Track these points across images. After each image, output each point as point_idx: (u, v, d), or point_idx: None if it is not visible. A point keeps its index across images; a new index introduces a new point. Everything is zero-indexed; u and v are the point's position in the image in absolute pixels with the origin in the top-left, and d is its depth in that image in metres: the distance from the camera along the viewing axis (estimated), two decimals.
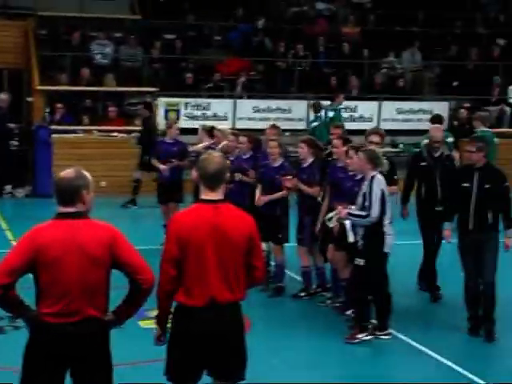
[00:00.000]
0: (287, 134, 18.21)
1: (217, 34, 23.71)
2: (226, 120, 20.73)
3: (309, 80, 22.40)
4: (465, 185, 9.56)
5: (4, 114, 19.25)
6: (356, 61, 23.21)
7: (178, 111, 21.11)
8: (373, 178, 9.22)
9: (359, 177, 9.77)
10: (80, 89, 20.92)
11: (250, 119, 21.00)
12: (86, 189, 5.61)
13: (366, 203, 9.16)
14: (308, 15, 24.48)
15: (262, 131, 13.25)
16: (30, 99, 20.90)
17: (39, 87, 20.48)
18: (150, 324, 9.14)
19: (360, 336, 9.42)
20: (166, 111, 21.05)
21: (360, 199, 9.33)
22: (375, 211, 9.11)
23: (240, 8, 23.83)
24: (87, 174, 5.67)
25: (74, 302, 5.48)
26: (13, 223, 15.66)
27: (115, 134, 20.38)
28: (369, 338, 9.47)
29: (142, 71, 21.89)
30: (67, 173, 5.64)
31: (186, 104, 21.14)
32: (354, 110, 21.73)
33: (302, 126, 21.37)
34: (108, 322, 5.64)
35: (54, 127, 19.72)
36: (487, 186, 9.47)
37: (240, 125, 20.12)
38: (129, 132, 20.43)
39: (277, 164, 11.27)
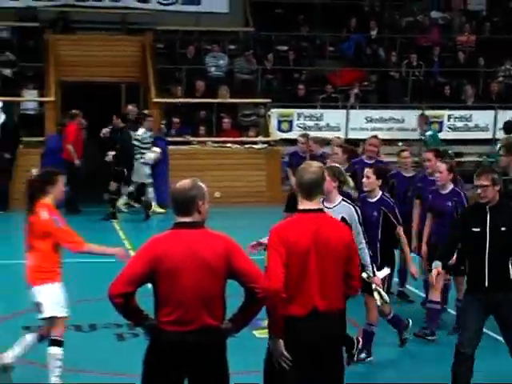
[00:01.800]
0: (400, 143, 18.12)
1: (330, 45, 23.70)
2: (338, 130, 20.73)
3: (422, 90, 22.27)
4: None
5: (135, 127, 19.70)
6: (471, 69, 22.89)
7: (290, 122, 21.21)
8: None
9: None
10: (195, 101, 21.21)
11: (362, 129, 20.92)
12: (201, 199, 5.69)
13: None
14: (422, 24, 24.26)
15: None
16: (146, 111, 21.26)
17: (156, 100, 20.85)
18: (264, 333, 9.24)
19: None
20: (279, 122, 21.18)
21: None
22: None
23: (353, 18, 23.76)
24: (202, 184, 5.76)
25: (192, 310, 5.55)
26: (131, 233, 15.99)
27: (229, 144, 20.61)
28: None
29: (255, 83, 22.05)
30: (183, 183, 5.73)
31: (299, 115, 21.22)
32: (468, 119, 21.42)
33: (415, 135, 21.14)
34: (225, 331, 5.69)
35: (170, 139, 20.05)
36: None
37: (352, 135, 20.15)
38: (242, 143, 20.66)
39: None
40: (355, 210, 8.20)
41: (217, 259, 5.60)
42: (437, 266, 7.72)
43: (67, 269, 8.06)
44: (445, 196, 9.96)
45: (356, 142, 14.35)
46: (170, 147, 19.80)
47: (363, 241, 8.13)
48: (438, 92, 22.34)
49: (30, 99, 20.84)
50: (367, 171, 9.00)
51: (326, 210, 7.77)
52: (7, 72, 20.88)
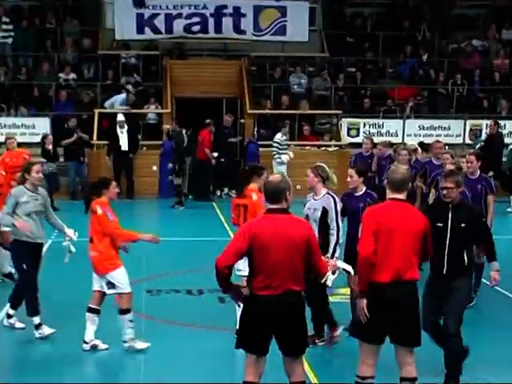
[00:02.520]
0: (446, 147, 17.84)
1: (390, 67, 23.47)
2: (396, 136, 20.58)
3: (465, 103, 21.89)
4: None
5: (229, 132, 19.92)
6: (505, 87, 22.43)
7: (357, 129, 21.10)
8: None
9: None
10: (281, 112, 21.25)
11: (415, 135, 20.65)
12: (288, 190, 5.83)
13: None
14: (465, 50, 23.82)
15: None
16: (242, 121, 21.41)
17: (250, 111, 20.94)
18: (337, 298, 9.26)
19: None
20: (348, 129, 21.11)
21: None
22: None
23: (408, 46, 23.51)
24: (288, 179, 5.94)
25: (279, 278, 5.67)
26: (229, 217, 16.09)
27: (308, 147, 20.62)
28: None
29: (329, 97, 21.98)
30: (275, 178, 5.93)
31: (364, 123, 21.09)
32: (503, 127, 20.96)
33: (459, 141, 20.88)
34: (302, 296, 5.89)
35: (260, 142, 20.13)
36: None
37: (408, 140, 19.86)
38: (319, 146, 20.60)
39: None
40: (334, 201, 8.06)
41: (301, 239, 5.72)
42: None
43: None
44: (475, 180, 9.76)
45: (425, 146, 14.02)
46: (261, 149, 19.86)
47: (334, 227, 7.95)
48: (477, 105, 21.94)
49: (151, 111, 21.12)
50: (350, 171, 8.45)
51: (313, 201, 8.18)
52: (132, 90, 21.19)
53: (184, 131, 18.89)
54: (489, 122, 20.33)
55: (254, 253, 5.67)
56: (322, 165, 8.45)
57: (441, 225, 6.85)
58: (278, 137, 18.84)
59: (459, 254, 6.86)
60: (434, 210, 7.18)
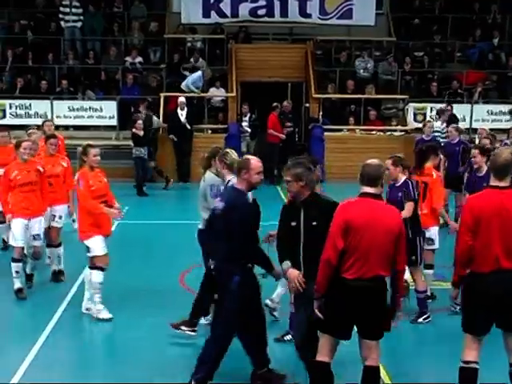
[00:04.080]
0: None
1: (458, 51, 22.95)
2: (464, 121, 20.11)
3: None
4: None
5: (287, 117, 19.74)
6: None
7: (424, 114, 20.71)
8: None
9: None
10: (346, 96, 21.05)
11: (483, 120, 20.17)
12: (383, 176, 5.80)
13: None
14: None
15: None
16: (307, 105, 21.26)
17: (315, 95, 20.76)
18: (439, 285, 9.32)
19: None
20: (415, 114, 20.73)
21: None
22: None
23: (478, 29, 22.94)
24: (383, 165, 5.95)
25: (369, 263, 5.62)
26: None
27: (374, 132, 20.35)
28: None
29: (395, 82, 21.63)
30: (375, 162, 5.85)
31: (431, 108, 20.68)
32: None
33: None
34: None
35: (325, 127, 19.95)
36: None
37: (475, 125, 19.47)
38: (384, 131, 20.31)
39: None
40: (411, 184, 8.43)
41: (394, 227, 5.66)
42: None
43: None
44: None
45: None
46: (326, 133, 19.70)
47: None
48: None
49: (217, 95, 21.08)
50: (386, 162, 8.32)
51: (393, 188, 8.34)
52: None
53: (153, 115, 18.82)
54: None
55: (348, 236, 5.62)
56: (399, 155, 8.79)
57: (294, 224, 6.12)
58: (438, 125, 16.76)
59: (315, 254, 5.85)
60: (288, 207, 6.36)
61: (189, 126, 19.14)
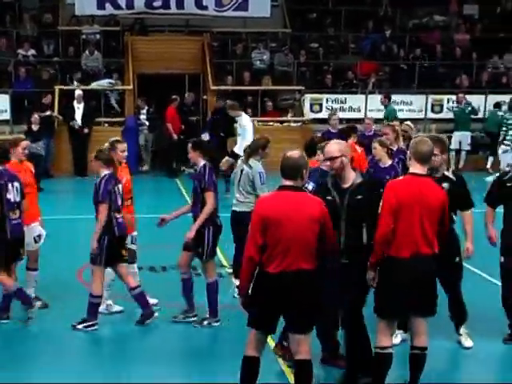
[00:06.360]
0: (407, 122, 17.78)
1: (351, 43, 23.36)
2: (359, 111, 20.51)
3: (426, 78, 21.84)
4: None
5: (190, 109, 19.63)
6: (466, 62, 22.43)
7: (320, 105, 20.96)
8: None
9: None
10: (243, 88, 21.05)
11: (379, 111, 20.52)
12: (305, 168, 5.65)
13: None
14: (426, 26, 23.79)
15: None
16: (205, 97, 21.18)
17: (212, 87, 20.70)
18: None
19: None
20: (311, 105, 20.96)
21: None
22: None
23: (370, 21, 23.41)
24: (305, 156, 5.77)
25: (292, 255, 5.53)
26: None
27: (271, 123, 20.45)
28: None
29: (291, 73, 21.81)
30: (294, 154, 5.70)
31: (327, 99, 20.96)
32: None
33: (421, 115, 20.89)
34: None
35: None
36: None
37: (370, 115, 19.76)
38: (282, 122, 20.44)
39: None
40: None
41: (317, 214, 5.57)
42: None
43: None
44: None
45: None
46: None
47: None
48: (439, 80, 21.89)
49: (112, 88, 20.68)
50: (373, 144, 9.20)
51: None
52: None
53: (54, 114, 18.64)
54: (450, 96, 20.38)
55: (266, 230, 5.53)
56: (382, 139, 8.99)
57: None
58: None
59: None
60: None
61: (80, 123, 18.73)
